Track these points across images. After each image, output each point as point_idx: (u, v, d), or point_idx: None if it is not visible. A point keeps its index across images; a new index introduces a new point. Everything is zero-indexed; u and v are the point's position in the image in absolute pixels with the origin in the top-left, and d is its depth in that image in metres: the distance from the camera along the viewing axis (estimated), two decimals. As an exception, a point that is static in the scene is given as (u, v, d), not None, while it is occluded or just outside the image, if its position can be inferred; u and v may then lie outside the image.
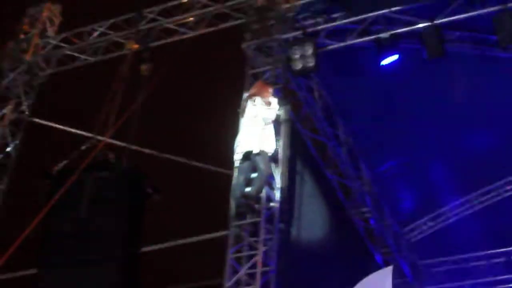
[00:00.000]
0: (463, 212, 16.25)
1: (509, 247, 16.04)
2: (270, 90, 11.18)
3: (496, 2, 11.28)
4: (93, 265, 11.02)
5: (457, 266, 16.50)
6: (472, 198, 16.17)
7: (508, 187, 15.72)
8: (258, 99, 10.94)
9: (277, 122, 11.34)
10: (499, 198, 15.86)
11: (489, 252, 16.06)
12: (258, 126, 10.75)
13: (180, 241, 12.99)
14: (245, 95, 11.21)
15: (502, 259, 16.15)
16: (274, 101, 11.08)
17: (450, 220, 16.37)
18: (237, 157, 10.79)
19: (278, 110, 11.46)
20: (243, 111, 10.95)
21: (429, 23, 11.60)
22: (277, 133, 11.23)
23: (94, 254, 11.04)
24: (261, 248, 10.63)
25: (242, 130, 10.83)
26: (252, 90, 11.14)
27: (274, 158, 11.11)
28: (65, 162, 11.68)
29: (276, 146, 11.10)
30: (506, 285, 15.99)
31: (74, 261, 11.05)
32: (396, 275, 14.88)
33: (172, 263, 14.04)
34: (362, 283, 11.03)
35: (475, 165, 15.03)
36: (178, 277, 14.43)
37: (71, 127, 13.26)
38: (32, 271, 11.59)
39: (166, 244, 13.04)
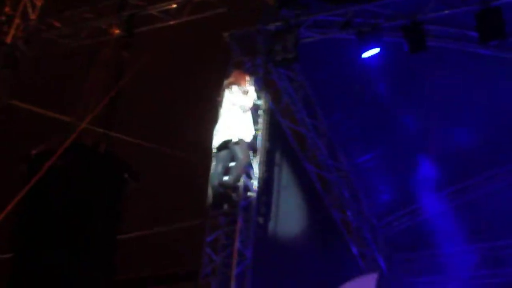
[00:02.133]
0: (440, 207, 16.31)
1: (484, 243, 16.15)
2: (247, 78, 11.22)
3: (478, -1, 11.34)
4: (69, 250, 10.98)
5: (433, 261, 16.60)
6: (449, 193, 16.22)
7: (486, 183, 15.80)
8: (235, 88, 10.97)
9: (256, 112, 11.38)
10: (476, 194, 15.92)
11: (465, 247, 16.16)
12: (236, 114, 10.76)
13: (157, 229, 13.00)
14: (224, 84, 11.24)
15: (477, 255, 16.27)
16: (251, 89, 11.12)
17: (427, 214, 16.44)
18: (216, 145, 10.81)
19: (258, 99, 11.50)
20: (221, 100, 10.98)
21: (411, 18, 11.63)
22: (255, 122, 11.27)
23: (70, 240, 11.00)
24: (238, 237, 10.68)
25: (221, 119, 10.85)
26: (230, 79, 11.16)
27: (252, 147, 11.14)
28: (43, 146, 11.64)
29: (255, 134, 11.15)
30: (481, 281, 16.09)
31: (50, 245, 11.01)
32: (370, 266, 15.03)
33: (148, 250, 14.02)
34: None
35: (454, 160, 15.11)
36: (155, 265, 14.42)
37: (51, 111, 13.18)
38: (8, 255, 11.54)
39: (142, 232, 13.04)
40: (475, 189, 15.88)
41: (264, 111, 11.77)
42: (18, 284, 11.03)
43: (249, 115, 10.95)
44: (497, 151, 14.87)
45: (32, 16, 14.12)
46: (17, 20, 13.88)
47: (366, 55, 11.93)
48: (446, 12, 11.63)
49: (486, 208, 15.62)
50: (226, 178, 10.68)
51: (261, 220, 11.26)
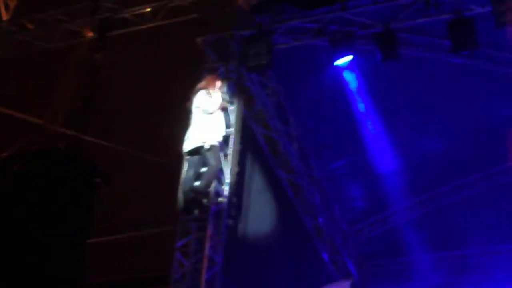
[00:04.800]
0: (411, 214, 16.40)
1: (454, 251, 16.25)
2: (218, 82, 11.18)
3: (450, 9, 11.40)
4: (38, 253, 10.88)
5: (403, 268, 16.69)
6: (420, 201, 16.32)
7: (455, 192, 15.91)
8: (204, 92, 10.96)
9: (228, 117, 11.37)
10: (447, 202, 16.03)
11: (434, 255, 16.25)
12: (207, 118, 10.75)
13: (128, 234, 12.93)
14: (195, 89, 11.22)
15: (447, 262, 16.37)
16: (221, 92, 11.11)
17: (398, 222, 16.51)
18: (187, 150, 10.79)
19: (231, 104, 11.50)
20: (191, 105, 10.97)
21: (385, 26, 11.69)
22: (228, 127, 11.27)
23: (38, 243, 10.89)
24: (208, 243, 10.67)
25: (192, 124, 10.82)
26: (201, 84, 11.15)
27: (222, 147, 11.14)
28: (12, 149, 11.52)
29: (226, 137, 11.16)
30: (449, 288, 16.25)
31: (18, 249, 10.90)
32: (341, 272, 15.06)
33: (119, 255, 13.95)
34: None
35: (426, 168, 15.20)
36: (125, 270, 14.35)
37: (22, 113, 13.07)
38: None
39: (113, 237, 12.96)
40: (444, 197, 16.01)
41: (236, 116, 11.76)
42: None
43: (220, 117, 10.95)
44: (466, 160, 14.97)
45: (5, 17, 14.01)
46: (-11, 21, 13.76)
47: (338, 62, 11.99)
48: (420, 21, 11.72)
49: (455, 217, 15.71)
50: (197, 183, 10.65)
51: (231, 222, 11.24)
